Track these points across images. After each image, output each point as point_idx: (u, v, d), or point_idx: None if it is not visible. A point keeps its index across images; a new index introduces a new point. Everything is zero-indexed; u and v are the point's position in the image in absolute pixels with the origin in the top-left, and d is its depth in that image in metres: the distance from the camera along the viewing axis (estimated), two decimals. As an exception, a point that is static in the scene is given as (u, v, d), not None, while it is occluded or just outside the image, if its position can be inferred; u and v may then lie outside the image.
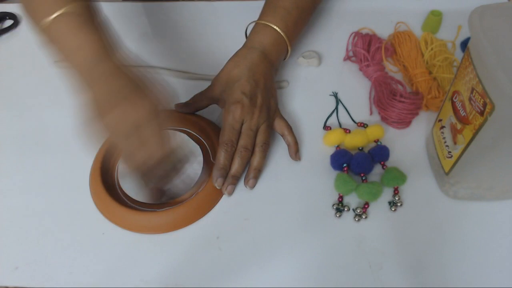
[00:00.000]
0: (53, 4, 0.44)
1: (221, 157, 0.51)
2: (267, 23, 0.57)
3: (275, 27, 0.57)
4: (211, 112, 0.60)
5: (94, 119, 0.43)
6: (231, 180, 0.51)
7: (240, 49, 0.57)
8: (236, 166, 0.52)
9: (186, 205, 0.50)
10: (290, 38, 0.58)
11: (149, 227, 0.49)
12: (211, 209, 0.51)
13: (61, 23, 0.44)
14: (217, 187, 0.51)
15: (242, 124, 0.53)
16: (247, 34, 0.60)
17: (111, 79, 0.43)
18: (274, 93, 0.57)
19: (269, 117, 0.55)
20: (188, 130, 0.57)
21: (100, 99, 0.43)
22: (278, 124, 0.56)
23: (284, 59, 0.61)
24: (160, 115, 0.44)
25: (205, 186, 0.52)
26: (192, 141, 0.56)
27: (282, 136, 0.56)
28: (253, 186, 0.52)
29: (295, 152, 0.54)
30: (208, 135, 0.56)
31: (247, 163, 0.53)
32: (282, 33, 0.57)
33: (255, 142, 0.53)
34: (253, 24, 0.59)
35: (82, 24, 0.45)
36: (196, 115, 0.58)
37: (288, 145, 0.55)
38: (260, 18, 0.59)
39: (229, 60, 0.56)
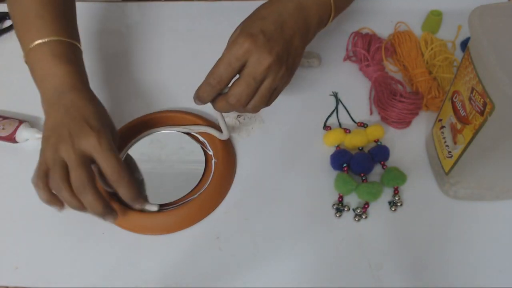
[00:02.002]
0: (36, 33, 0.49)
1: (202, 91, 0.44)
2: None
3: None
4: (212, 112, 0.60)
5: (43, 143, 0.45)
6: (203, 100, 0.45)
7: None
8: (222, 105, 0.45)
9: (188, 206, 0.50)
10: (336, 2, 0.49)
11: (150, 228, 0.49)
12: (213, 210, 0.51)
13: (37, 51, 0.48)
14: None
15: (243, 65, 0.43)
16: None
17: (63, 112, 0.45)
18: (298, 55, 0.46)
19: (284, 77, 0.45)
20: (189, 131, 0.57)
21: (47, 128, 0.46)
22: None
23: (325, 25, 0.51)
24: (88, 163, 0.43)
25: (207, 187, 0.51)
26: (194, 141, 0.56)
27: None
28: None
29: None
30: (209, 135, 0.56)
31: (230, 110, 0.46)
32: None
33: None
34: None
35: (55, 55, 0.48)
36: (196, 115, 0.58)
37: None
38: None
39: (260, 5, 0.47)
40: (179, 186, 0.52)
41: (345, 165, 0.52)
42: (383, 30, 0.67)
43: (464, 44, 0.65)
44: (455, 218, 0.49)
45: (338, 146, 0.56)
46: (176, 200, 0.51)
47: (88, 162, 0.43)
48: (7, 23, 0.75)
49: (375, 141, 0.56)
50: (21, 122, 0.58)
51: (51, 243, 0.49)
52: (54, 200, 0.44)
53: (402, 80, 0.62)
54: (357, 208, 0.50)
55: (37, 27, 0.49)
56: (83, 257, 0.48)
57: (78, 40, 0.53)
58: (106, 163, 0.43)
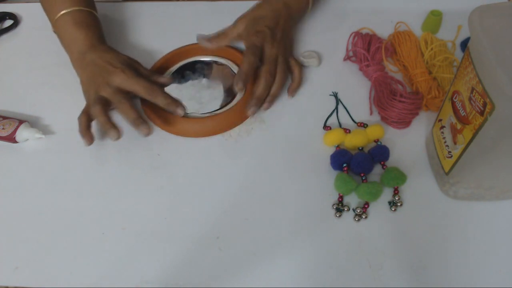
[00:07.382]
0: (60, 5, 0.61)
1: (245, 66, 0.56)
2: None
3: None
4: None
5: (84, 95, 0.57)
6: (255, 102, 0.57)
7: None
8: (260, 89, 0.57)
9: (222, 115, 0.58)
10: None
11: (192, 131, 0.58)
12: (241, 122, 0.59)
13: (63, 20, 0.60)
14: (239, 91, 0.57)
15: (262, 52, 0.58)
16: None
17: (91, 66, 0.57)
18: (291, 37, 0.64)
19: (286, 53, 0.62)
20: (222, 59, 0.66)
21: (84, 82, 0.58)
22: (292, 63, 0.62)
23: (305, 13, 0.68)
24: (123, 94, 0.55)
25: (237, 102, 0.60)
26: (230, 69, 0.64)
27: (291, 73, 0.62)
28: (267, 108, 0.60)
29: (294, 89, 0.61)
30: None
31: (270, 88, 0.59)
32: None
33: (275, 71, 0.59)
34: None
35: (78, 22, 0.60)
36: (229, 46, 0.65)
37: (292, 80, 0.61)
38: None
39: (254, 4, 0.63)
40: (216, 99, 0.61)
41: (345, 165, 0.52)
42: (383, 30, 0.67)
43: (464, 44, 0.65)
44: (455, 218, 0.49)
45: (338, 146, 0.56)
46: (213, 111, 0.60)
47: (123, 91, 0.55)
48: (7, 23, 0.75)
49: (375, 141, 0.56)
50: (21, 122, 0.58)
51: (51, 243, 0.49)
52: (87, 133, 0.55)
53: (402, 80, 0.62)
54: (357, 208, 0.50)
55: (61, 0, 0.61)
56: (83, 257, 0.48)
57: (94, 9, 0.65)
58: (136, 86, 0.55)
